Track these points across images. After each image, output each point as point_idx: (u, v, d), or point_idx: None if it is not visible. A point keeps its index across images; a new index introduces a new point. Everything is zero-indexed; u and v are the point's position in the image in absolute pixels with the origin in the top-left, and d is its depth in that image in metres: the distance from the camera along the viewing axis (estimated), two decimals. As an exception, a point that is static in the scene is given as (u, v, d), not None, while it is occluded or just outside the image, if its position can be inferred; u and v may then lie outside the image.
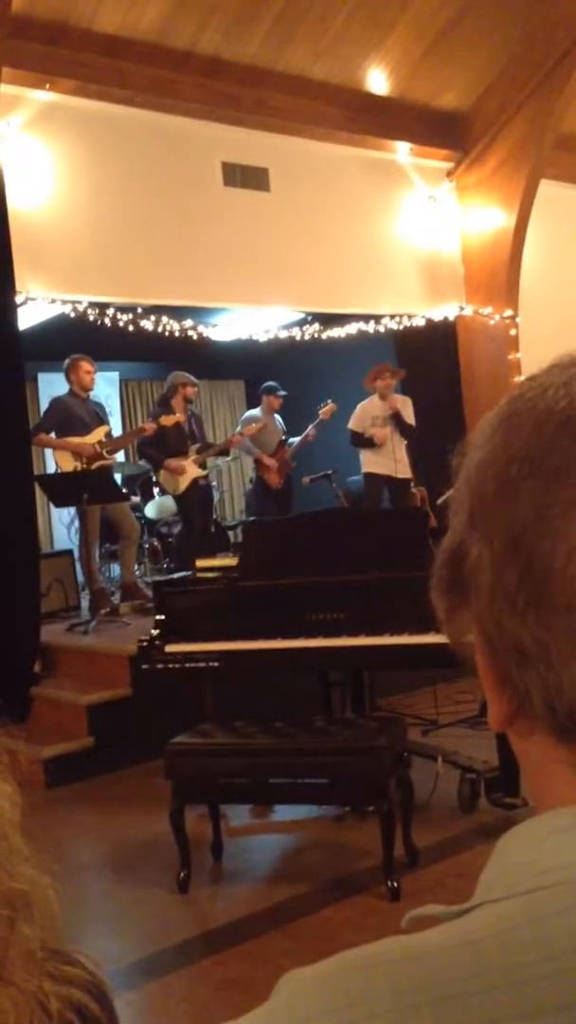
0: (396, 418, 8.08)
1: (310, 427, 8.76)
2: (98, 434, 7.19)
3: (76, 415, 7.15)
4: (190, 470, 7.76)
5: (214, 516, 9.63)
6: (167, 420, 7.54)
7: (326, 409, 8.57)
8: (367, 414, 8.20)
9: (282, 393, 8.93)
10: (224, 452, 9.00)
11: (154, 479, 8.55)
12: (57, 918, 0.67)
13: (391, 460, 8.11)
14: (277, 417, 9.06)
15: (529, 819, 0.55)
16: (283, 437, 8.99)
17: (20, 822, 0.67)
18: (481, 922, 0.51)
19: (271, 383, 9.01)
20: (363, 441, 8.19)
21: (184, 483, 7.73)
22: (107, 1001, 0.71)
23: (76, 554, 7.93)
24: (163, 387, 8.37)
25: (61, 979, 0.67)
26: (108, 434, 7.32)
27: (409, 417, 8.15)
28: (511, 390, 0.58)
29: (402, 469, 8.16)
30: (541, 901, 0.49)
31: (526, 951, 0.48)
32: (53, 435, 7.11)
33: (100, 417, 7.37)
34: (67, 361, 7.30)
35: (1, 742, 0.71)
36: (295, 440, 8.91)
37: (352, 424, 8.26)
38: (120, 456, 8.24)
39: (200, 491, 8.01)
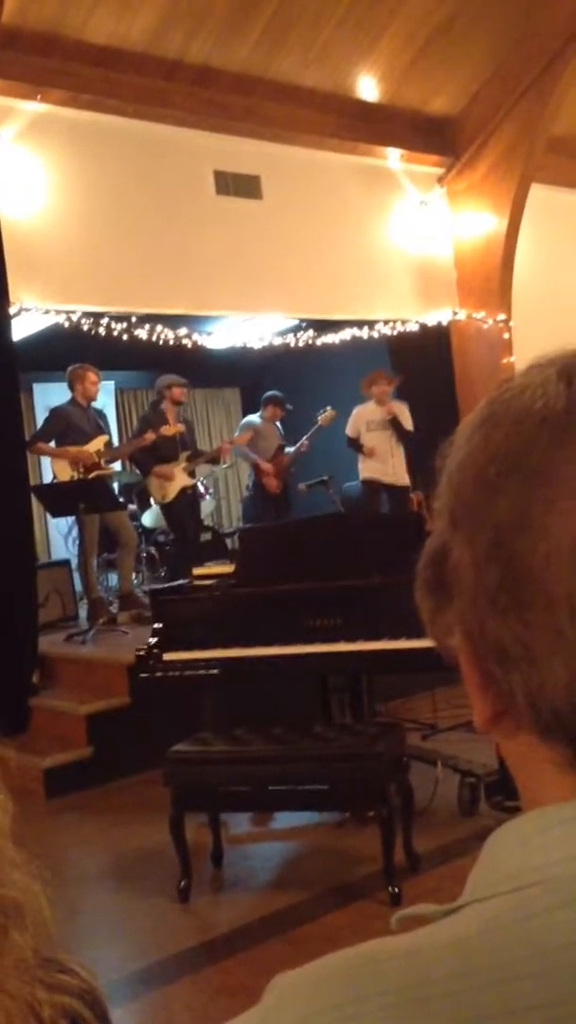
0: (394, 423, 8.11)
1: (304, 438, 8.78)
2: (97, 443, 7.19)
3: (76, 424, 7.15)
4: (179, 478, 7.74)
5: (211, 524, 9.63)
6: (168, 430, 7.55)
7: (325, 416, 8.59)
8: (361, 419, 8.24)
9: (288, 407, 8.96)
10: (214, 460, 9.01)
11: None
12: (50, 926, 0.67)
13: (387, 467, 8.13)
14: (277, 424, 9.08)
15: (515, 817, 0.55)
16: (282, 443, 9.00)
17: (13, 830, 0.67)
18: (468, 921, 0.51)
19: (278, 393, 9.01)
20: (356, 446, 8.22)
21: (172, 491, 7.72)
22: (101, 1008, 0.71)
23: (74, 564, 7.94)
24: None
25: (54, 987, 0.67)
26: (107, 444, 7.32)
27: (407, 423, 8.17)
28: (491, 393, 0.59)
29: (400, 476, 8.19)
30: (528, 899, 0.50)
31: (513, 949, 0.48)
32: (52, 444, 7.11)
33: (100, 426, 7.37)
34: (71, 369, 7.29)
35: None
36: (291, 450, 8.94)
37: (348, 429, 8.31)
38: (117, 465, 8.24)
39: (188, 499, 7.99)
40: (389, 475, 8.15)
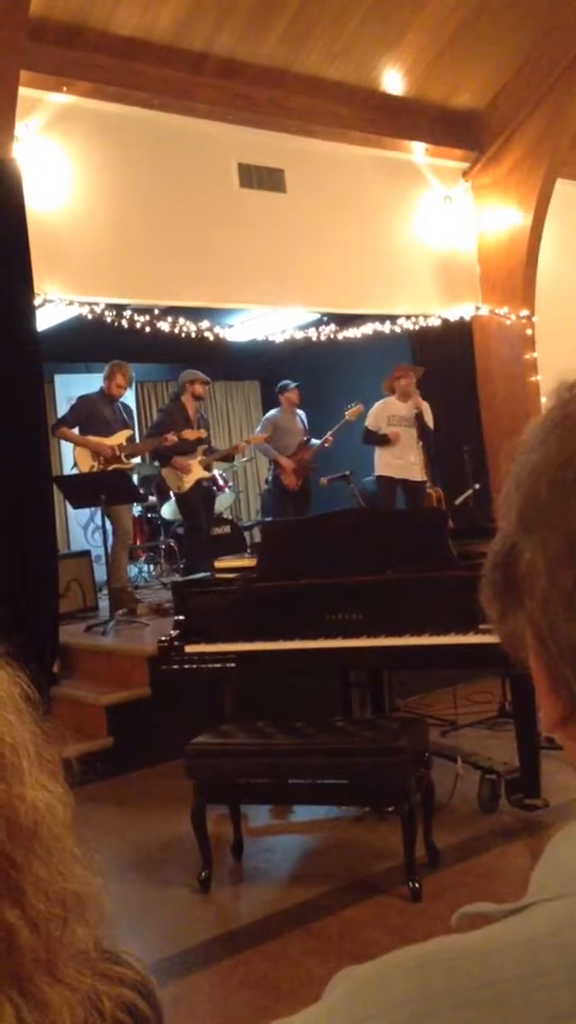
0: (420, 419, 8.05)
1: (328, 433, 8.74)
2: (120, 437, 7.23)
3: (102, 414, 7.20)
4: (196, 470, 7.78)
5: (230, 517, 9.63)
6: (190, 434, 7.59)
7: (352, 411, 8.54)
8: (383, 413, 8.16)
9: (294, 385, 8.89)
10: (229, 458, 9.02)
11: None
12: (108, 918, 0.67)
13: (405, 462, 8.08)
14: (301, 416, 9.03)
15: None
16: (304, 438, 8.96)
17: (75, 825, 0.67)
18: (537, 921, 0.51)
19: (288, 381, 8.98)
20: (376, 439, 8.13)
21: (188, 482, 7.75)
22: (155, 1000, 0.72)
23: (94, 554, 7.98)
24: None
25: (113, 979, 0.67)
26: (130, 438, 7.36)
27: (430, 420, 8.13)
28: (559, 394, 0.58)
29: (416, 471, 8.13)
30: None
31: None
32: (76, 431, 7.15)
33: (125, 421, 7.41)
34: (113, 363, 7.34)
35: (53, 747, 0.72)
36: (317, 442, 8.90)
37: (368, 422, 8.23)
38: (136, 458, 8.27)
39: (204, 491, 8.02)
40: (406, 470, 8.09)
